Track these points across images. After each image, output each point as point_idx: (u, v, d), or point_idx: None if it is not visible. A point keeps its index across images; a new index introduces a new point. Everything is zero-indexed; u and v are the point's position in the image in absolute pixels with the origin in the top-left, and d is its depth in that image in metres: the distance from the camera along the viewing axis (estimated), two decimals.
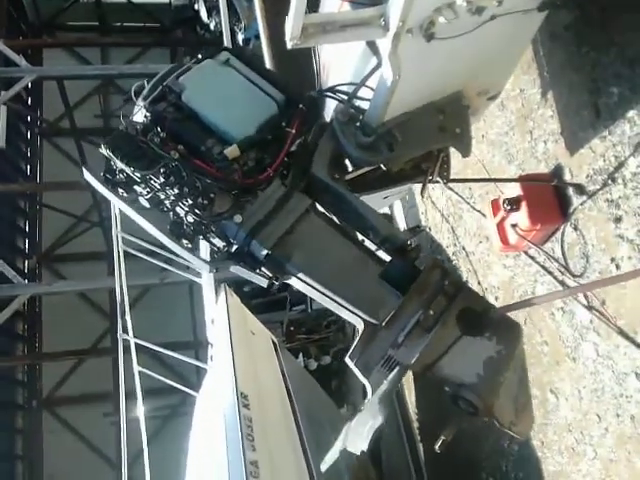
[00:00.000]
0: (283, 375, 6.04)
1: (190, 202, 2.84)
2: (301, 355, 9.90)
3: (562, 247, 4.30)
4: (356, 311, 2.96)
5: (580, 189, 4.08)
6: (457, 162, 3.32)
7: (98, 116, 16.64)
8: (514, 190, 4.30)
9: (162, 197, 2.96)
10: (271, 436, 4.98)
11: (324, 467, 3.07)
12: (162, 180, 2.85)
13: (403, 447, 6.36)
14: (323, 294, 3.01)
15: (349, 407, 9.33)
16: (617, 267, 3.82)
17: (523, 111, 4.68)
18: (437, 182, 3.43)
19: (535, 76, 4.47)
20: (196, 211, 2.86)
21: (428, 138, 3.08)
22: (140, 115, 3.02)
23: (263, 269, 3.05)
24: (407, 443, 6.34)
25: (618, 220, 3.78)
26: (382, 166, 3.15)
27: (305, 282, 3.02)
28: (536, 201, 4.23)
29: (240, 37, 10.66)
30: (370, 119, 2.97)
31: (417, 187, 4.01)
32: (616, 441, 4.01)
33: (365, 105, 3.08)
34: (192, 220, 2.90)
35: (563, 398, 4.52)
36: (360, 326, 2.94)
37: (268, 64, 5.11)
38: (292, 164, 3.03)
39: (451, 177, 3.66)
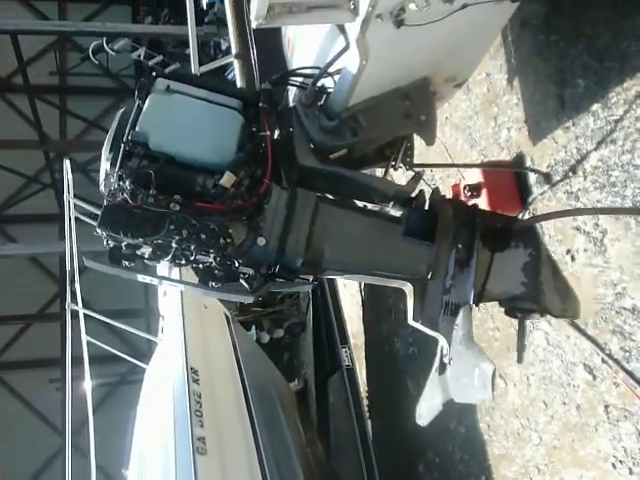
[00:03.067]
0: (235, 350, 6.00)
1: (212, 246, 2.70)
2: (254, 328, 9.85)
3: None
4: (399, 276, 3.02)
5: (540, 179, 4.08)
6: (420, 143, 3.30)
7: (53, 73, 16.13)
8: (475, 175, 4.29)
9: (178, 252, 2.78)
10: (220, 412, 4.95)
11: (425, 422, 3.09)
12: (177, 238, 2.67)
13: (351, 423, 6.38)
14: (362, 274, 3.07)
15: (300, 381, 9.36)
16: (572, 259, 3.85)
17: (488, 96, 4.65)
18: (400, 168, 3.40)
19: (502, 62, 4.43)
20: (223, 252, 2.73)
21: (393, 124, 3.03)
22: (115, 181, 2.77)
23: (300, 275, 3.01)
24: (355, 419, 6.36)
25: None
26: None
27: (343, 270, 3.05)
28: (496, 188, 4.23)
29: (204, 1, 10.36)
30: (334, 103, 2.89)
31: None
32: (561, 429, 4.09)
33: (328, 83, 3.01)
34: (219, 261, 2.77)
35: (512, 384, 4.58)
36: (408, 288, 3.00)
37: (231, 34, 4.98)
38: (279, 163, 2.92)
39: (414, 159, 3.64)
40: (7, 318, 14.25)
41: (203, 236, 2.67)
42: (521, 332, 3.14)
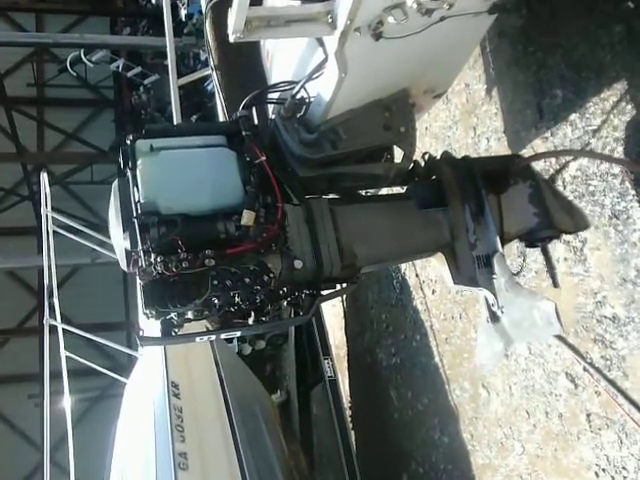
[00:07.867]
0: (216, 363, 5.94)
1: (259, 285, 2.69)
2: (235, 339, 9.78)
3: None
4: (428, 248, 3.14)
5: None
6: (400, 153, 3.32)
7: (31, 85, 16.03)
8: None
9: (224, 302, 2.73)
10: (202, 426, 4.89)
11: (489, 368, 3.20)
12: (224, 291, 2.65)
13: (335, 435, 6.36)
14: (395, 259, 3.22)
15: (282, 393, 9.31)
16: None
17: (467, 106, 4.67)
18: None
19: (481, 72, 4.45)
20: (269, 288, 2.73)
21: (373, 136, 3.02)
22: (142, 259, 2.70)
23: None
24: (339, 431, 6.34)
25: None
26: None
27: (377, 262, 3.19)
28: None
29: (182, 12, 10.34)
30: (313, 116, 2.90)
31: None
32: (544, 438, 4.09)
33: (307, 94, 3.01)
34: (267, 297, 2.77)
35: (494, 393, 4.59)
36: (438, 257, 3.12)
37: (211, 48, 4.98)
38: (283, 182, 2.92)
39: None
40: None
41: (247, 280, 2.66)
42: (547, 258, 3.42)
